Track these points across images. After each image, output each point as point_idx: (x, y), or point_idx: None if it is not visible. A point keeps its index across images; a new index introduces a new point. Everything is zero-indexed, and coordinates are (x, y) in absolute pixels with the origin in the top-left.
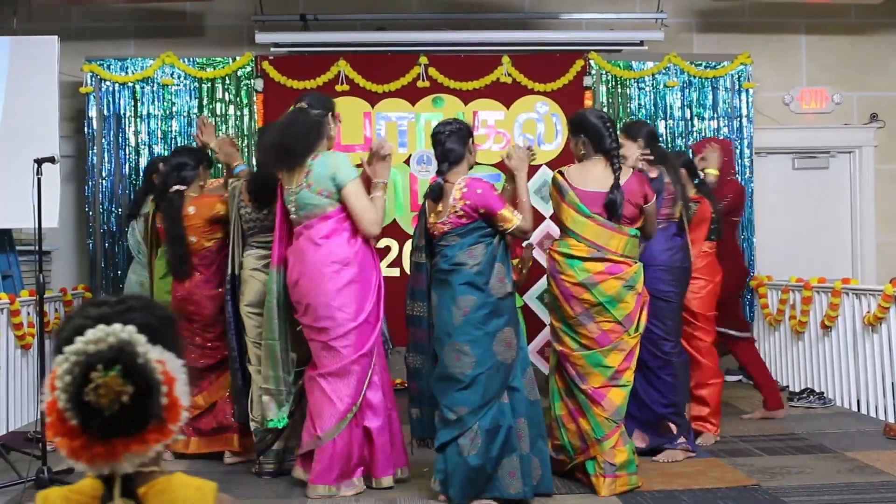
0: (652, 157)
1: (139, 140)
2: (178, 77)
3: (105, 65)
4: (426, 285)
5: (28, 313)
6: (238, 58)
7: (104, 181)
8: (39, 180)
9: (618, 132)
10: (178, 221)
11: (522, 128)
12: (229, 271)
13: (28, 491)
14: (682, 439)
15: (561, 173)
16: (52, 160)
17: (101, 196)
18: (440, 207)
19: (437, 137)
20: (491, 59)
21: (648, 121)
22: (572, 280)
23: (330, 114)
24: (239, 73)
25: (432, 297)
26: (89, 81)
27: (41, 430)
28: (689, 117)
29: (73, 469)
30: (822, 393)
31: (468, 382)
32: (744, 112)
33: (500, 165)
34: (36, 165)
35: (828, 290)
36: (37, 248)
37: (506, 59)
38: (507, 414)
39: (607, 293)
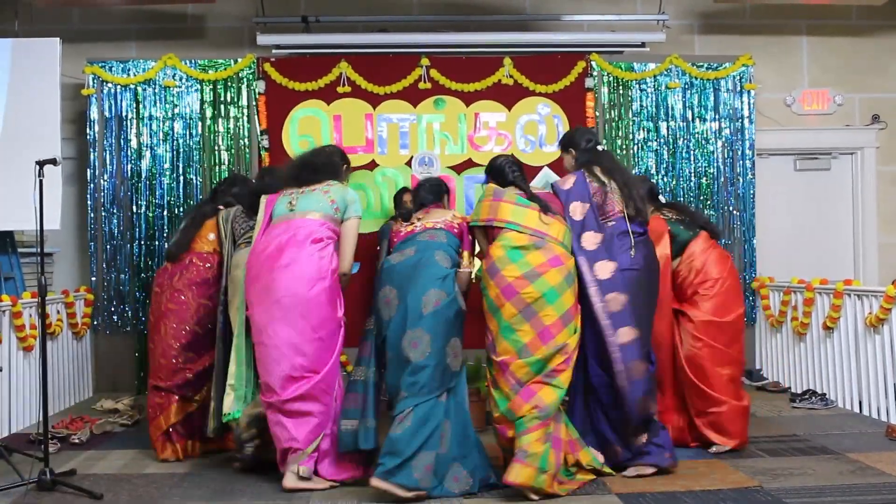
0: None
1: (141, 142)
2: (180, 79)
3: (107, 67)
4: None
5: (30, 315)
6: (240, 59)
7: (106, 183)
8: (41, 182)
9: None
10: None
11: (524, 129)
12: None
13: (30, 493)
14: (644, 455)
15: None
16: (53, 162)
17: (102, 198)
18: (411, 221)
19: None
20: (492, 60)
21: (650, 122)
22: (514, 274)
23: (346, 165)
24: (241, 74)
25: (389, 292)
26: (91, 83)
27: (43, 432)
28: (690, 119)
29: (76, 471)
30: (824, 394)
31: (416, 368)
32: (745, 113)
33: None
34: (38, 167)
35: (830, 292)
36: (38, 249)
37: (507, 61)
38: (439, 413)
39: (550, 284)
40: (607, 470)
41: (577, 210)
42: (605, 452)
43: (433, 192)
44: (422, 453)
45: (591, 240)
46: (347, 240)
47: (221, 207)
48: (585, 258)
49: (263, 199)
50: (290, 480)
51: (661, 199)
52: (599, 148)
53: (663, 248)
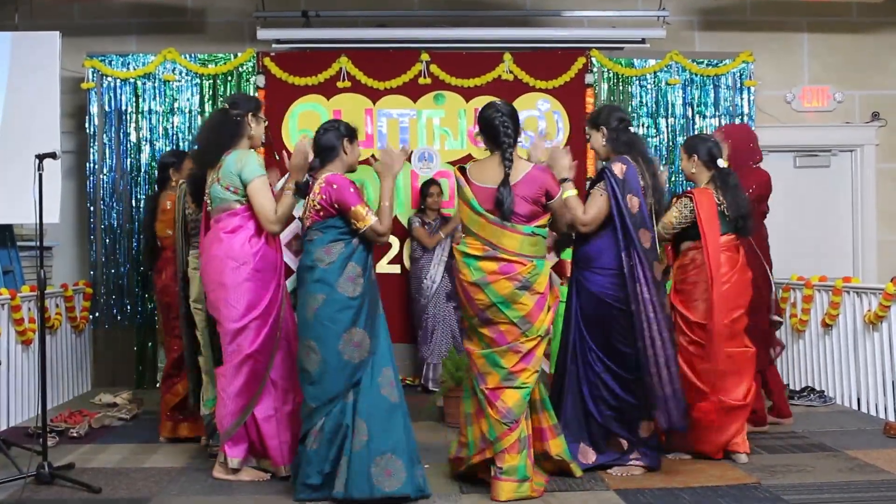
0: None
1: (140, 136)
2: (180, 73)
3: (107, 61)
4: None
5: (29, 309)
6: (240, 54)
7: (105, 177)
8: (41, 176)
9: (518, 127)
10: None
11: (524, 125)
12: (179, 270)
13: (28, 486)
14: (634, 454)
15: (462, 170)
16: (53, 156)
17: (102, 192)
18: (307, 202)
19: (315, 136)
20: (492, 56)
21: (650, 119)
22: (468, 280)
23: (250, 113)
24: (240, 69)
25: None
26: (91, 77)
27: (42, 426)
28: (690, 115)
29: (74, 465)
30: (823, 391)
31: (315, 379)
32: (745, 110)
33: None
34: (37, 161)
35: (829, 289)
36: (38, 243)
37: (507, 57)
38: (347, 415)
39: (500, 294)
40: (575, 468)
41: (633, 204)
42: (608, 446)
43: (335, 140)
44: (342, 459)
45: (645, 237)
46: (255, 205)
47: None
48: (646, 257)
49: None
50: (217, 471)
51: (721, 162)
52: (632, 129)
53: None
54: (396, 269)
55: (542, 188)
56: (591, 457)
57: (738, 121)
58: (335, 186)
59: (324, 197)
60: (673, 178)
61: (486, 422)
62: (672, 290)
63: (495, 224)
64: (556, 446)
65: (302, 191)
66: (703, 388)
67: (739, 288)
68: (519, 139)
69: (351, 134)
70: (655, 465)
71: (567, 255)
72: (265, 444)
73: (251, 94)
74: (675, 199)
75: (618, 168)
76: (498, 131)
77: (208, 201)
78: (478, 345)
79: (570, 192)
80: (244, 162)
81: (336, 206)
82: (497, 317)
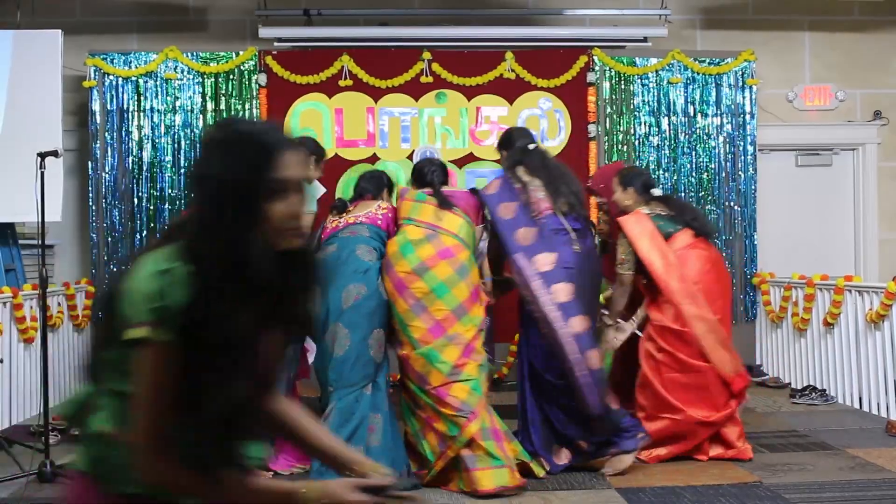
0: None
1: (142, 134)
2: (182, 71)
3: (108, 59)
4: None
5: (31, 307)
6: (241, 52)
7: (107, 175)
8: (42, 174)
9: (446, 177)
10: None
11: (525, 124)
12: None
13: (30, 484)
14: (611, 446)
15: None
16: (55, 154)
17: (104, 190)
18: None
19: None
20: (494, 55)
21: (652, 117)
22: (405, 270)
23: (314, 157)
24: (242, 67)
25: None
26: (93, 75)
27: (44, 424)
28: (692, 114)
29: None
30: (825, 390)
31: (339, 363)
32: (747, 109)
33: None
34: (39, 159)
35: (830, 288)
36: (40, 241)
37: (509, 55)
38: (365, 405)
39: (439, 278)
40: (535, 467)
41: (507, 210)
42: (571, 451)
43: (372, 184)
44: (358, 447)
45: (525, 235)
46: None
47: None
48: (523, 253)
49: None
50: None
51: (655, 191)
52: (531, 147)
53: (659, 242)
54: None
55: (471, 203)
56: (565, 457)
57: (739, 119)
58: (391, 216)
59: (389, 216)
60: (675, 179)
61: (442, 422)
62: (646, 300)
63: (438, 206)
64: (512, 450)
65: (340, 210)
66: (672, 401)
67: (716, 277)
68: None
69: (390, 185)
70: (636, 444)
71: None
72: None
73: (253, 92)
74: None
75: (488, 187)
76: (425, 180)
77: None
78: (411, 346)
79: None
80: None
81: (390, 229)
82: (433, 304)
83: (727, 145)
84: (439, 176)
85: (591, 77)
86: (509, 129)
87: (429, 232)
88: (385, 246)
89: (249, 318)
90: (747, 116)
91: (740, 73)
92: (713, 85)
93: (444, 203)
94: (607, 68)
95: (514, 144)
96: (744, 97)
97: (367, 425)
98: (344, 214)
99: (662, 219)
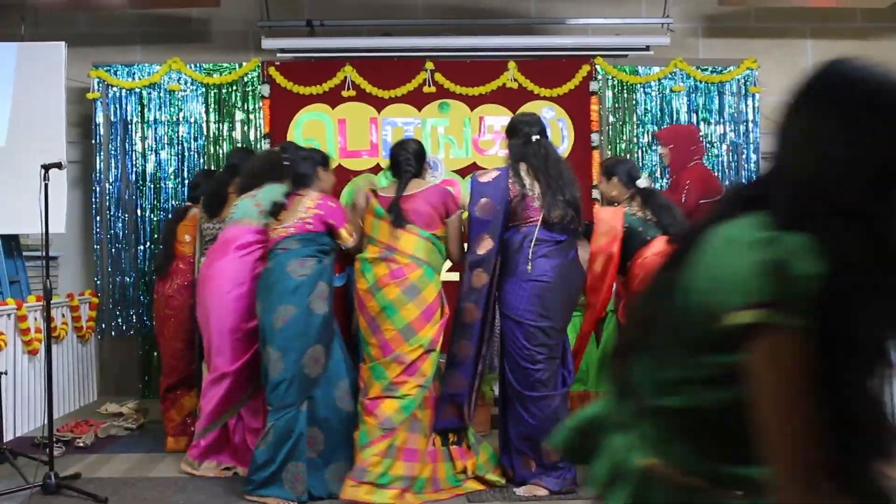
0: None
1: (146, 146)
2: (185, 83)
3: (112, 70)
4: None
5: (35, 318)
6: (244, 63)
7: (111, 187)
8: (46, 186)
9: (423, 163)
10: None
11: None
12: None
13: (35, 496)
14: (540, 477)
15: (374, 190)
16: (59, 166)
17: (107, 201)
18: (280, 219)
19: (291, 163)
20: (497, 64)
21: (655, 126)
22: (363, 287)
23: (293, 162)
24: (245, 78)
25: (258, 302)
26: (96, 87)
27: (48, 436)
28: (695, 122)
29: (80, 474)
30: None
31: (275, 385)
32: (750, 117)
33: None
34: (43, 171)
35: None
36: (44, 253)
37: (512, 65)
38: (301, 422)
39: (387, 298)
40: (493, 477)
41: (485, 208)
42: (521, 463)
43: (302, 170)
44: (289, 464)
45: (484, 245)
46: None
47: (190, 204)
48: (471, 259)
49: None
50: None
51: (641, 182)
52: (533, 138)
53: (609, 244)
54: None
55: (439, 199)
56: (531, 467)
57: (742, 127)
58: (332, 205)
59: (319, 213)
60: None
61: (358, 431)
62: (620, 308)
63: (393, 225)
64: (472, 465)
65: (274, 213)
66: None
67: None
68: (429, 172)
69: (325, 161)
70: (559, 487)
71: None
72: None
73: (257, 103)
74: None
75: (484, 174)
76: (400, 166)
77: (233, 211)
78: (366, 359)
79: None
80: (277, 196)
81: (329, 223)
82: (384, 324)
83: (730, 153)
84: (410, 166)
85: (593, 86)
86: (515, 117)
87: (384, 251)
88: (330, 238)
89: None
90: (750, 124)
91: (743, 80)
92: (716, 93)
93: (398, 221)
94: (610, 77)
95: (518, 134)
96: (746, 105)
97: (306, 440)
98: (279, 218)
99: (642, 222)
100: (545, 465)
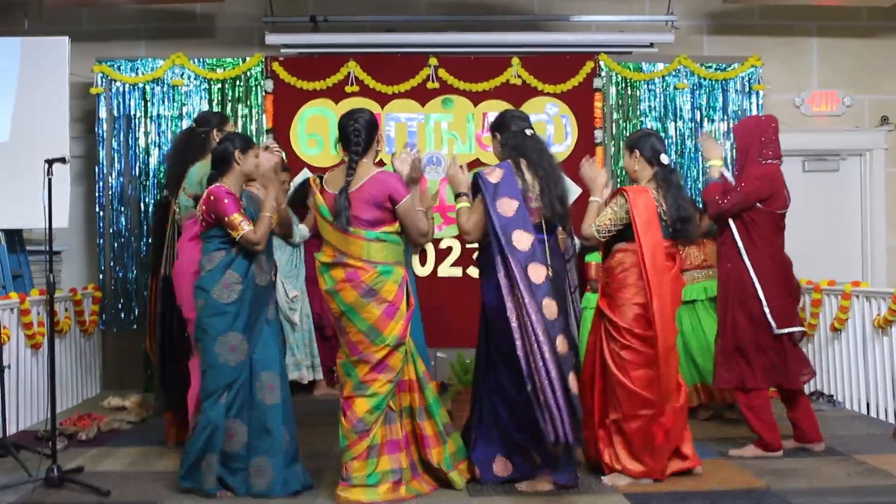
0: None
1: (149, 141)
2: (189, 78)
3: (115, 66)
4: None
5: (38, 313)
6: (248, 59)
7: (114, 181)
8: (50, 181)
9: (373, 136)
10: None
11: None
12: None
13: (37, 490)
14: (546, 469)
15: (320, 178)
16: (62, 161)
17: (111, 196)
18: None
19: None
20: (500, 60)
21: (658, 123)
22: (324, 288)
23: (215, 129)
24: (249, 73)
25: None
26: (100, 82)
27: (51, 429)
28: (699, 119)
29: (83, 468)
30: (832, 396)
31: (202, 377)
32: (754, 114)
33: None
34: (46, 166)
35: (837, 293)
36: (47, 248)
37: (515, 61)
38: (219, 413)
39: (346, 301)
40: (455, 477)
41: (508, 207)
42: (523, 458)
43: (219, 161)
44: (207, 455)
45: (523, 240)
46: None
47: (167, 194)
48: (518, 260)
49: None
50: None
51: (664, 158)
52: (528, 132)
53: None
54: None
55: (384, 193)
56: (506, 469)
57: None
58: (212, 198)
59: (204, 208)
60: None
61: (340, 430)
62: (599, 294)
63: (339, 230)
64: (437, 455)
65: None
66: (645, 395)
67: (674, 298)
68: (378, 148)
69: (244, 145)
70: (566, 481)
71: (594, 257)
72: None
73: (260, 98)
74: (610, 198)
75: (492, 173)
76: (349, 139)
77: (176, 209)
78: (340, 355)
79: (462, 204)
80: (191, 177)
81: (213, 216)
82: (348, 326)
83: (734, 150)
84: (359, 139)
85: (597, 83)
86: (504, 112)
87: (337, 256)
88: (224, 230)
89: None
90: None
91: (747, 78)
92: (720, 90)
93: (342, 226)
94: (614, 74)
95: (510, 127)
96: (750, 102)
97: (224, 433)
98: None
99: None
100: (552, 456)
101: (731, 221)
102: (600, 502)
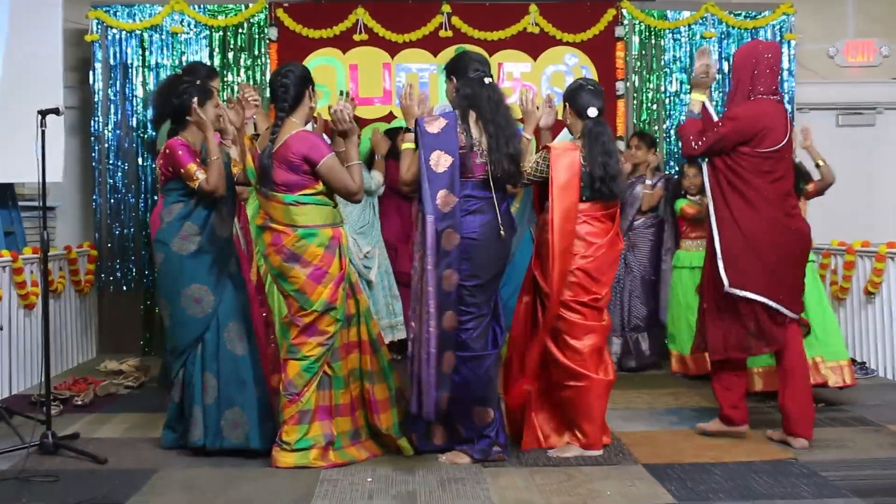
0: None
1: (147, 91)
2: (189, 25)
3: (111, 11)
4: None
5: (31, 272)
6: (251, 5)
7: (110, 134)
8: (43, 133)
9: (302, 91)
10: None
11: (550, 81)
12: None
13: (32, 456)
14: (464, 445)
15: (256, 137)
16: (56, 112)
17: (107, 149)
18: None
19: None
20: (517, 7)
21: (683, 74)
22: (260, 250)
23: (198, 82)
24: (252, 20)
25: None
26: (95, 29)
27: (45, 394)
28: (727, 70)
29: (79, 434)
30: (864, 363)
31: (170, 333)
32: (785, 65)
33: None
34: (39, 117)
35: (871, 255)
36: (40, 203)
37: (533, 8)
38: (196, 366)
39: (274, 266)
40: (404, 444)
41: (441, 162)
42: (452, 431)
43: (177, 114)
44: (194, 408)
45: (446, 201)
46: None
47: None
48: (435, 218)
49: None
50: None
51: (591, 111)
52: (486, 80)
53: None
54: None
55: (299, 154)
56: (440, 438)
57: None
58: (167, 151)
59: (161, 162)
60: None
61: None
62: (533, 256)
63: (260, 194)
64: (386, 420)
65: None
66: (576, 368)
67: (605, 263)
68: (313, 104)
69: (203, 97)
70: (482, 457)
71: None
72: None
73: (263, 47)
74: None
75: (433, 122)
76: (276, 95)
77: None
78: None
79: (406, 144)
80: (162, 135)
81: (171, 168)
82: (281, 287)
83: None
84: (285, 100)
85: (619, 31)
86: (463, 53)
87: (266, 220)
88: (182, 183)
89: None
90: (785, 73)
91: (778, 27)
92: (749, 40)
93: (263, 191)
94: (637, 22)
95: (467, 72)
96: (782, 53)
97: (200, 385)
98: None
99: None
100: (473, 430)
101: (704, 166)
102: (620, 473)
